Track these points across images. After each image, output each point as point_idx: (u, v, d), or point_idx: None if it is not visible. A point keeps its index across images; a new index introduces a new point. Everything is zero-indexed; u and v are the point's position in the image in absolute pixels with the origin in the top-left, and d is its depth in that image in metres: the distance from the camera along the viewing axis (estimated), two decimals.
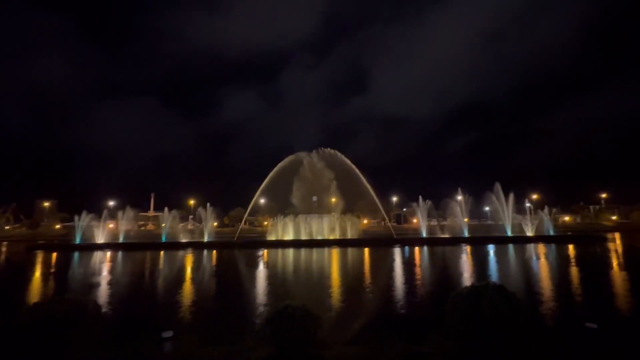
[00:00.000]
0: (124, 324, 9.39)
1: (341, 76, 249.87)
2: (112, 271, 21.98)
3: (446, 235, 43.33)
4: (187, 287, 16.26)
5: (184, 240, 42.65)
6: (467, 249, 32.36)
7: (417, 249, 33.85)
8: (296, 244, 38.96)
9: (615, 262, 22.30)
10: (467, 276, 17.90)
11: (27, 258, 30.40)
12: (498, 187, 45.45)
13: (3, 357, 5.01)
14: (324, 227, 43.91)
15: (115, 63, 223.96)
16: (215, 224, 56.63)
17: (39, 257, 31.04)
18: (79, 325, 5.42)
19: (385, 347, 6.43)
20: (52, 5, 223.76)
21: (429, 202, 44.73)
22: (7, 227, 79.43)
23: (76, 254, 33.00)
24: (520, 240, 38.73)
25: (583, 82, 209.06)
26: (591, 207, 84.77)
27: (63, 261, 27.90)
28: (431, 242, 39.17)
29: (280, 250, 33.58)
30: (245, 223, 54.25)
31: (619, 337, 6.54)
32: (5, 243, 51.37)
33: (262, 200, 58.72)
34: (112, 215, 46.68)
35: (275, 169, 46.90)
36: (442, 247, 35.00)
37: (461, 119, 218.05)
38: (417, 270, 20.64)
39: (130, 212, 48.02)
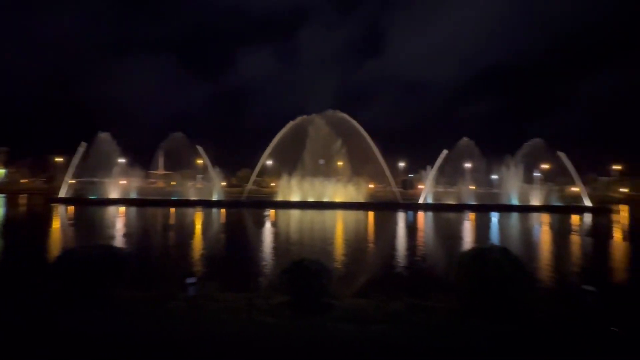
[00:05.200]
0: (149, 270, 10.12)
1: (360, 36, 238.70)
2: (128, 224, 23.08)
3: (450, 202, 43.74)
4: (201, 240, 17.13)
5: (193, 198, 43.88)
6: (470, 215, 32.88)
7: (421, 213, 34.50)
8: (302, 205, 39.85)
9: (615, 232, 22.62)
10: (468, 240, 18.48)
11: (49, 210, 31.84)
12: (508, 157, 45.04)
13: (45, 297, 5.56)
14: (330, 190, 44.52)
15: (133, 19, 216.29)
16: (224, 183, 57.72)
17: (59, 209, 32.51)
18: (111, 270, 5.90)
19: (391, 300, 6.92)
20: None
21: (435, 168, 44.62)
22: (23, 181, 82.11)
23: (92, 208, 34.41)
24: (525, 209, 39.05)
25: (617, 49, 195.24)
26: (603, 178, 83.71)
27: (81, 214, 29.22)
28: (435, 207, 39.75)
29: (287, 211, 34.52)
30: (252, 183, 55.13)
31: (613, 298, 6.94)
32: (24, 196, 53.85)
33: (269, 162, 59.10)
34: (124, 172, 47.76)
35: (282, 131, 46.54)
36: (446, 213, 35.60)
37: (482, 84, 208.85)
38: (420, 234, 21.27)
39: (140, 170, 49.12)
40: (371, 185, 65.31)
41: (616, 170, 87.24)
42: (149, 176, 76.53)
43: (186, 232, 20.02)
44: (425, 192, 44.54)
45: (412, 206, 40.55)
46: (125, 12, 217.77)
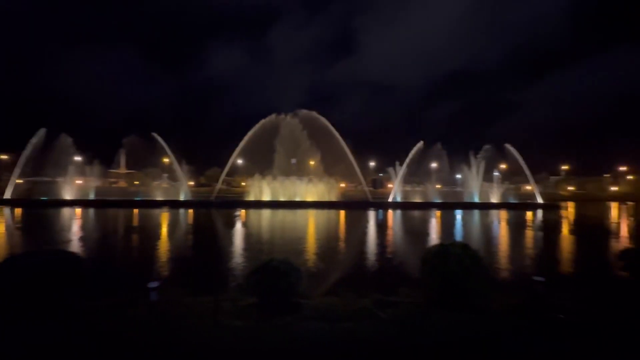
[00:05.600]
0: (108, 276, 9.50)
1: (331, 37, 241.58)
2: (85, 227, 21.53)
3: (418, 200, 45.50)
4: (167, 243, 16.39)
5: (159, 199, 41.90)
6: (436, 213, 34.33)
7: (390, 211, 35.47)
8: (274, 204, 39.49)
9: (563, 227, 24.73)
10: (434, 237, 19.29)
11: None
12: (470, 156, 47.59)
13: None
14: (302, 189, 44.53)
15: (93, 6, 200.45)
16: (192, 182, 55.69)
17: (5, 212, 29.61)
18: (64, 276, 5.47)
19: (360, 297, 7.06)
20: None
21: (404, 168, 46.10)
22: None
23: (43, 210, 31.71)
24: (485, 207, 41.50)
25: (564, 57, 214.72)
26: (553, 177, 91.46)
27: (31, 217, 26.83)
28: (404, 206, 41.10)
29: (258, 211, 34.02)
30: (222, 183, 53.66)
31: (560, 288, 7.57)
32: None
33: (239, 161, 57.85)
34: (81, 171, 44.40)
35: (253, 129, 45.79)
36: (414, 210, 36.89)
37: (446, 88, 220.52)
38: (390, 231, 21.86)
39: (100, 168, 45.94)
40: (342, 185, 66.12)
41: (564, 170, 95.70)
42: (110, 175, 72.02)
43: (150, 234, 19.06)
44: (394, 191, 45.88)
45: (382, 205, 41.57)
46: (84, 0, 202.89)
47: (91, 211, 31.39)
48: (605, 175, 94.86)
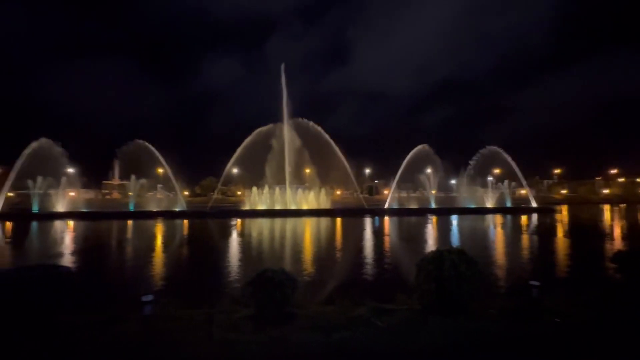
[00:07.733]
0: (100, 290, 9.32)
1: (325, 47, 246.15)
2: (77, 240, 21.19)
3: (414, 206, 45.62)
4: (162, 255, 16.18)
5: (153, 210, 41.50)
6: (432, 218, 34.41)
7: (386, 218, 35.48)
8: (270, 213, 39.31)
9: (558, 230, 24.90)
10: (430, 243, 19.30)
11: None
12: (465, 163, 48.10)
13: None
14: (298, 198, 44.47)
15: (91, 17, 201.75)
16: (187, 193, 55.32)
17: None
18: (52, 292, 5.36)
19: (356, 306, 6.99)
20: None
21: (400, 175, 46.34)
22: None
23: (35, 224, 31.20)
24: (481, 211, 41.71)
25: (553, 63, 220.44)
26: (545, 181, 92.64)
27: (21, 231, 26.34)
28: (400, 212, 41.16)
29: (254, 220, 33.82)
30: (218, 193, 53.39)
31: (556, 291, 7.60)
32: None
33: (235, 170, 57.70)
34: (73, 183, 43.84)
35: (249, 138, 45.87)
36: (409, 217, 36.94)
37: (437, 96, 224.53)
38: (386, 238, 21.83)
39: (94, 180, 45.49)
40: (338, 192, 66.14)
41: (556, 174, 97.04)
42: (103, 187, 71.34)
43: (145, 246, 18.82)
44: (390, 197, 46.02)
45: (378, 211, 41.60)
46: (79, 11, 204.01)
47: (84, 224, 30.96)
48: (597, 178, 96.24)
